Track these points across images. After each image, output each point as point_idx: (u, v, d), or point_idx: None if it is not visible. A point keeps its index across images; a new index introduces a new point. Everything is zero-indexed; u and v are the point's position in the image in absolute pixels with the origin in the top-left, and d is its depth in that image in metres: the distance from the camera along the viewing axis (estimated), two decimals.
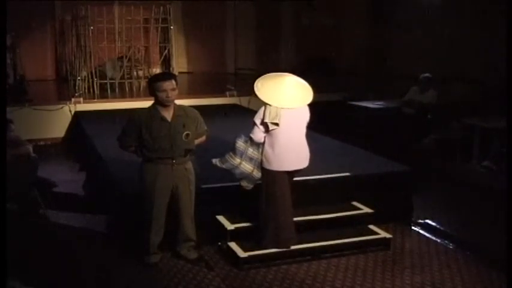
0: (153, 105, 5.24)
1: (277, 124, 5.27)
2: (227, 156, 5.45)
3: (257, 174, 5.48)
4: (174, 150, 5.19)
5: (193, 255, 5.57)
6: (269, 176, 5.43)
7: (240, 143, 5.42)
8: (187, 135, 5.21)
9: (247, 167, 5.43)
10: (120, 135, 5.36)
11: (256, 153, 5.42)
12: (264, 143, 5.38)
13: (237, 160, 5.40)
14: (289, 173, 5.49)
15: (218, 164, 5.50)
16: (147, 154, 5.21)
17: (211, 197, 5.92)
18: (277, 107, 5.25)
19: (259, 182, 5.52)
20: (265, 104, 5.30)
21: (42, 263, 5.41)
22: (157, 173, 5.21)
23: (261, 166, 5.44)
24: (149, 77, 5.49)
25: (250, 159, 5.42)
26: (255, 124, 5.35)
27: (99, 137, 8.36)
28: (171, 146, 5.17)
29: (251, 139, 5.38)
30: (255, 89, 5.33)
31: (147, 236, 5.36)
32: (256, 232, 5.64)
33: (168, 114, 5.19)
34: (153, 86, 5.13)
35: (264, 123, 5.30)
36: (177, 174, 5.26)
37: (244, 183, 5.53)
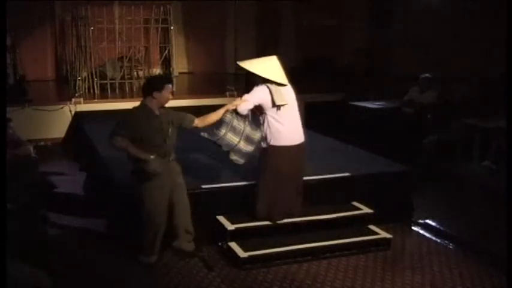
0: (144, 104, 5.32)
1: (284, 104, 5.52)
2: (214, 129, 5.55)
3: (245, 147, 5.54)
4: (169, 146, 5.32)
5: (190, 247, 5.63)
6: (278, 152, 5.59)
7: (227, 115, 5.54)
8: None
9: (232, 138, 5.49)
10: (115, 133, 5.21)
11: (241, 124, 5.53)
12: (266, 121, 5.57)
13: (222, 131, 5.47)
14: (295, 148, 5.66)
15: (206, 136, 5.57)
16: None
17: (211, 197, 5.92)
18: (278, 88, 5.50)
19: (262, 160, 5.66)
20: (260, 84, 5.52)
21: (41, 263, 5.40)
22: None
23: (268, 145, 5.59)
24: (151, 77, 5.60)
25: (235, 129, 5.49)
26: (246, 100, 5.51)
27: (99, 137, 8.34)
28: (167, 143, 5.30)
29: (236, 110, 5.51)
30: (250, 68, 5.55)
31: (149, 236, 5.38)
32: (258, 207, 5.77)
33: (159, 113, 5.33)
34: (158, 86, 5.27)
35: (274, 105, 5.49)
36: (173, 170, 5.39)
37: (233, 157, 5.59)
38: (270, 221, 5.79)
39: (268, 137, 5.59)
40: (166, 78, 5.50)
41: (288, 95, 5.60)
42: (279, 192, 5.70)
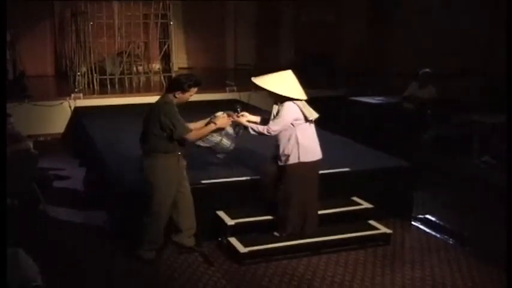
0: (169, 99, 5.30)
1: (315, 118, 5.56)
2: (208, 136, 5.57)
3: (226, 142, 5.63)
4: (182, 142, 5.36)
5: (191, 242, 5.66)
6: (306, 168, 5.53)
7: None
8: None
9: (227, 142, 5.64)
10: (185, 132, 5.25)
11: (231, 130, 5.64)
12: (293, 138, 5.48)
13: (218, 138, 5.59)
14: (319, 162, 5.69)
15: (201, 144, 5.59)
16: (164, 146, 5.26)
17: (211, 192, 5.93)
18: (303, 102, 5.49)
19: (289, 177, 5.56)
20: (284, 102, 5.44)
21: (41, 259, 5.41)
22: (169, 165, 5.31)
23: (297, 160, 5.49)
24: (179, 75, 5.61)
25: (228, 135, 5.63)
26: (283, 122, 5.44)
27: (99, 132, 8.36)
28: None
29: (267, 134, 5.49)
30: (272, 89, 5.43)
31: (153, 229, 5.41)
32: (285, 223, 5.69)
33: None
34: (183, 88, 5.26)
35: (307, 120, 5.50)
36: (181, 165, 5.44)
37: (218, 151, 5.71)
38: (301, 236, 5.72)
39: (299, 153, 5.49)
40: (194, 81, 5.33)
41: (311, 109, 5.60)
42: (308, 206, 5.71)
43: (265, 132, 5.48)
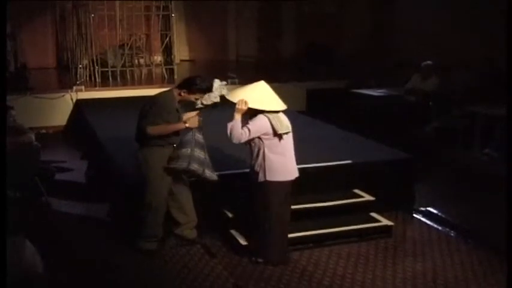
0: (172, 94, 5.35)
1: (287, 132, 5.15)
2: (179, 153, 5.30)
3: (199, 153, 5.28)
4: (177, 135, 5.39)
5: (192, 234, 5.67)
6: (275, 188, 5.15)
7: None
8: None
9: (200, 152, 5.29)
10: (144, 126, 5.21)
11: (200, 136, 5.34)
12: (261, 153, 5.12)
13: (189, 150, 5.27)
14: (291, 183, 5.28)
15: (173, 165, 5.30)
16: (157, 138, 5.28)
17: (213, 185, 5.92)
18: (276, 114, 5.12)
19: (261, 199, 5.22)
20: (258, 114, 5.11)
21: (43, 251, 5.42)
22: (163, 157, 5.32)
23: (264, 179, 5.12)
24: (195, 76, 5.58)
25: (200, 144, 5.31)
26: (248, 129, 5.04)
27: (101, 125, 8.36)
28: (178, 132, 5.38)
29: (231, 135, 5.06)
30: (243, 102, 5.05)
31: (149, 220, 5.41)
32: (261, 248, 5.36)
33: (178, 106, 5.38)
34: (191, 89, 5.29)
35: (276, 134, 5.07)
36: None
37: (207, 174, 5.34)
38: (281, 263, 5.34)
39: (265, 171, 5.11)
40: (203, 87, 5.36)
41: (286, 122, 5.19)
42: (280, 231, 5.30)
43: (228, 130, 5.05)
